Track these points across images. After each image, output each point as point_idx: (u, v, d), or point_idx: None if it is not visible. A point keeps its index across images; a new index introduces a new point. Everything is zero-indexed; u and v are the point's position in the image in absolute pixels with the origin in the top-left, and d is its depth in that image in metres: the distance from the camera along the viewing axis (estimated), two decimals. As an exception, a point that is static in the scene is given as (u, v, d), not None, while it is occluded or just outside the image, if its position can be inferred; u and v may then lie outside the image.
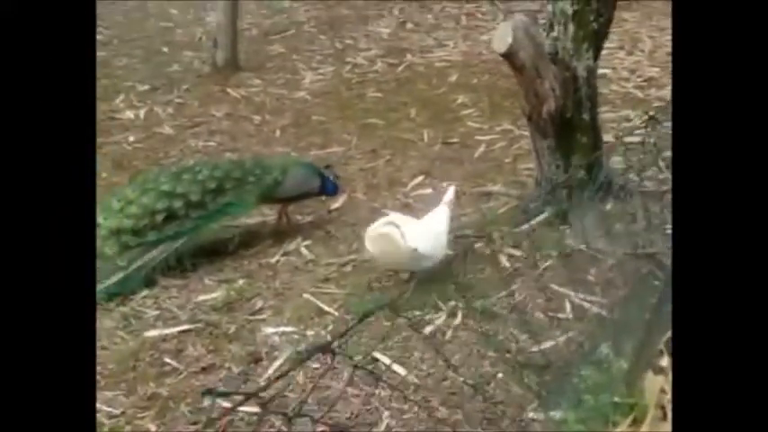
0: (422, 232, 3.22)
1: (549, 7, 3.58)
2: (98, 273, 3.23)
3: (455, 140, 5.02)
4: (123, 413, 2.70)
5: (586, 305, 3.04)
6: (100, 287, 3.31)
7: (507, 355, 2.73)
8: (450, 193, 3.50)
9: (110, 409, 2.71)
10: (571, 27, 3.49)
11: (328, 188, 4.01)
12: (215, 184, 3.63)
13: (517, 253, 3.45)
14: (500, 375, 2.68)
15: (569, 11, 3.48)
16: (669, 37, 6.10)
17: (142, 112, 5.78)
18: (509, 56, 3.34)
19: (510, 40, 3.28)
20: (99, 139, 5.30)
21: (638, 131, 3.16)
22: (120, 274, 3.41)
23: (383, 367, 2.77)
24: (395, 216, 3.34)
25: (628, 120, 5.03)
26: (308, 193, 3.97)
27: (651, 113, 2.36)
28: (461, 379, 2.65)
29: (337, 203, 4.24)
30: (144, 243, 3.48)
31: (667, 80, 5.57)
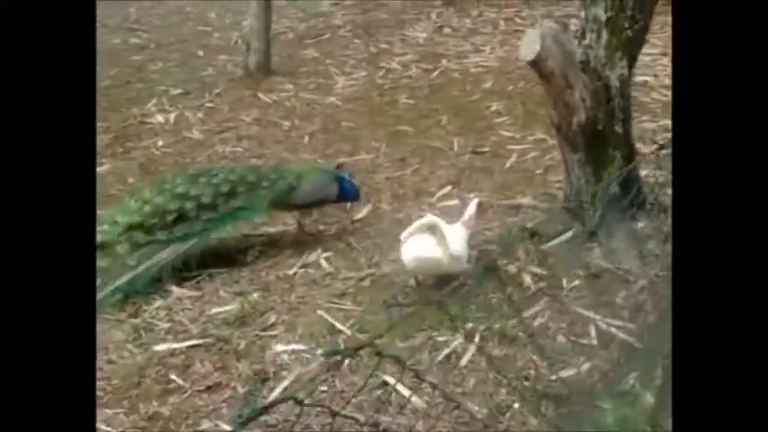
0: (455, 236, 3.21)
1: (582, 13, 3.40)
2: (108, 274, 3.27)
3: (486, 149, 4.86)
4: (122, 433, 2.62)
5: (613, 330, 2.86)
6: (109, 288, 3.28)
7: (525, 383, 2.58)
8: (471, 208, 3.36)
9: (108, 429, 2.63)
10: (604, 34, 3.31)
11: (348, 193, 3.88)
12: (228, 188, 3.59)
13: (542, 272, 3.28)
14: (516, 405, 2.52)
15: (603, 17, 3.31)
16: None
17: (172, 117, 5.75)
18: (536, 64, 3.18)
19: (538, 47, 3.12)
20: (128, 144, 5.31)
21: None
22: (130, 274, 3.36)
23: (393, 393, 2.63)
24: (432, 217, 3.26)
25: (668, 130, 4.81)
26: (324, 200, 3.86)
27: (661, 143, 2.20)
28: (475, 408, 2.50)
29: (361, 214, 4.13)
30: (154, 241, 3.44)
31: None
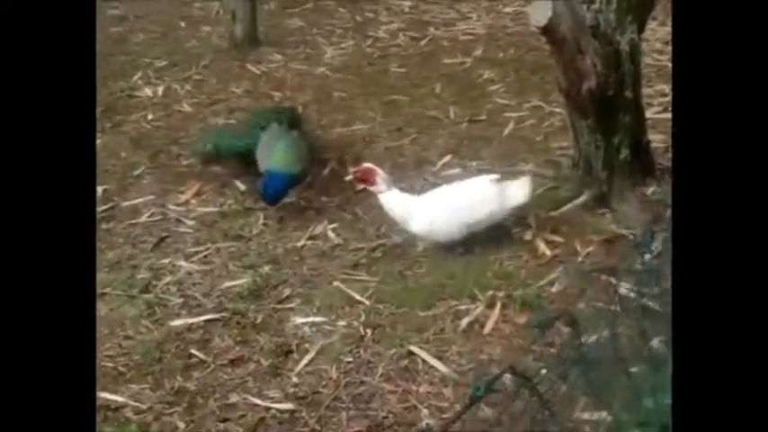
0: None
1: (590, -22, 3.37)
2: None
3: (482, 118, 4.84)
4: (150, 408, 2.60)
5: (633, 295, 2.88)
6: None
7: (551, 350, 2.59)
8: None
9: (137, 404, 2.60)
10: (614, -1, 3.29)
11: (263, 186, 3.74)
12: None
13: (556, 239, 3.29)
14: (544, 371, 2.53)
15: (612, -19, 3.28)
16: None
17: (160, 90, 5.63)
18: (548, 30, 3.16)
19: (550, 13, 3.09)
20: (117, 117, 5.20)
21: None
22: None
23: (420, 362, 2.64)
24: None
25: (664, 95, 4.84)
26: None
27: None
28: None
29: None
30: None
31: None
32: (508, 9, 6.82)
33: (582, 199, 3.48)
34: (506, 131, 4.61)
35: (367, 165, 3.48)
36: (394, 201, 3.37)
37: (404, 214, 3.35)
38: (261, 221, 3.81)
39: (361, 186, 3.66)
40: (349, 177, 3.63)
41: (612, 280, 2.90)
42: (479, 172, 3.67)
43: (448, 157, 4.34)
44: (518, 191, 3.35)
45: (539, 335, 1.86)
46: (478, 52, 5.93)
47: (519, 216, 3.51)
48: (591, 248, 3.21)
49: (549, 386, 2.41)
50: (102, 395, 2.66)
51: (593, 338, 2.66)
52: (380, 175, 3.38)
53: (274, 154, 3.83)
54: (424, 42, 6.27)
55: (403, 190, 3.51)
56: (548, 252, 3.21)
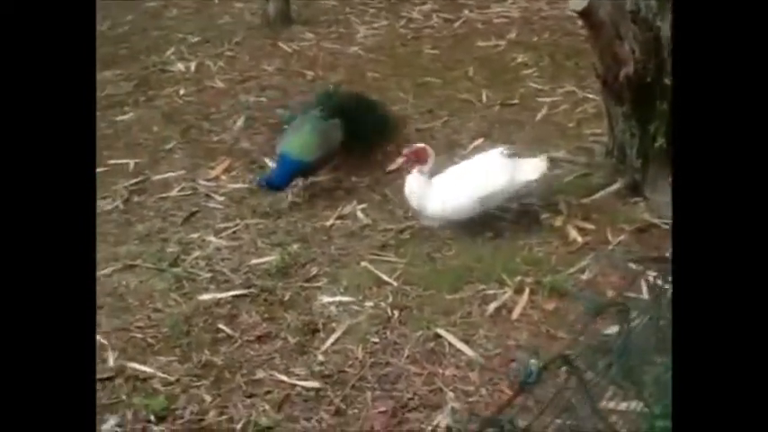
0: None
1: (631, -38, 3.31)
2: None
3: (515, 102, 4.80)
4: (178, 380, 2.62)
5: (664, 285, 2.84)
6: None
7: (579, 338, 2.57)
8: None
9: (165, 376, 2.63)
10: (655, -17, 3.23)
11: (270, 174, 3.76)
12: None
13: (588, 226, 3.26)
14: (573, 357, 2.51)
15: (654, -35, 3.22)
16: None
17: (193, 65, 5.65)
18: (587, 14, 3.11)
19: (589, -4, 3.04)
20: (150, 92, 5.23)
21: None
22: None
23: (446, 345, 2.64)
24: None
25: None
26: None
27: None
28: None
29: (395, 165, 4.08)
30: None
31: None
32: (543, -8, 6.74)
33: (615, 187, 3.44)
34: (539, 116, 4.57)
35: (420, 145, 3.50)
36: (416, 184, 3.36)
37: (421, 196, 3.34)
38: (290, 199, 3.82)
39: (396, 164, 3.66)
40: (401, 159, 3.61)
41: (648, 271, 2.86)
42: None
43: (479, 141, 4.31)
44: (531, 167, 3.34)
45: (590, 321, 1.84)
46: (512, 35, 5.87)
47: (550, 202, 3.48)
48: (622, 237, 3.17)
49: (591, 376, 2.39)
50: (131, 365, 2.70)
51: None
52: (431, 156, 3.40)
53: (294, 138, 3.81)
54: (457, 24, 6.22)
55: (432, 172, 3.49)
56: (579, 239, 3.18)
